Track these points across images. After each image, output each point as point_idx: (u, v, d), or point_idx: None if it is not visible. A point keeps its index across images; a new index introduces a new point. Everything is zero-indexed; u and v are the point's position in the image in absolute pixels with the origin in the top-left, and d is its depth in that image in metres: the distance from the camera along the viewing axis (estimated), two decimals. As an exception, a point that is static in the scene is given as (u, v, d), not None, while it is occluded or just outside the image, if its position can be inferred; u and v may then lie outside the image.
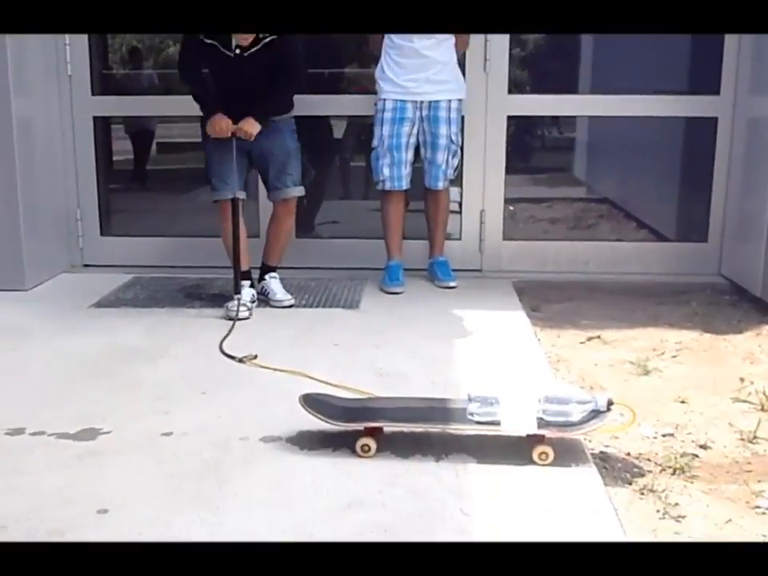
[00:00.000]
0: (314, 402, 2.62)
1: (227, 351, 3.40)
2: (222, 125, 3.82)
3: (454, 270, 4.48)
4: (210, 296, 4.24)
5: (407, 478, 2.35)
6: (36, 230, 4.51)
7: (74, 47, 4.72)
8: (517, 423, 2.45)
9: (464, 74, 4.44)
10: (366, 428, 2.50)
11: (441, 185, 4.38)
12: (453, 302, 4.16)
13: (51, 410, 2.86)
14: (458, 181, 4.65)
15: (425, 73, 4.26)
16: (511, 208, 4.98)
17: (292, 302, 4.08)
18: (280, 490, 2.30)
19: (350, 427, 2.51)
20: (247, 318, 3.81)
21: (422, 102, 4.29)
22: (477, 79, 4.59)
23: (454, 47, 4.30)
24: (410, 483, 2.32)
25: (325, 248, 4.88)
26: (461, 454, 2.48)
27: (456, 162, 4.41)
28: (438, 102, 4.29)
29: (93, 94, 4.83)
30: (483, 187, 4.73)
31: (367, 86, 4.64)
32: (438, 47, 4.23)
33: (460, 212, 4.77)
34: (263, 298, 4.13)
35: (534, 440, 2.44)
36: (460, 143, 4.42)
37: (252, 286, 4.07)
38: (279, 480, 2.36)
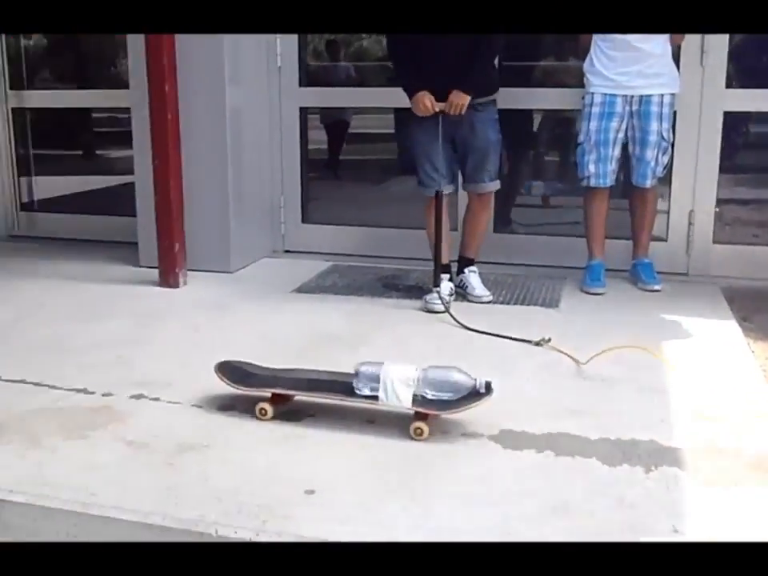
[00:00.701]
0: (226, 369, 2.84)
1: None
2: (426, 101, 3.82)
3: (658, 273, 4.30)
4: (406, 287, 4.28)
5: (616, 488, 2.27)
6: (242, 216, 4.71)
7: (284, 39, 4.88)
8: (395, 399, 2.58)
9: (678, 68, 4.25)
10: (273, 394, 2.72)
11: (649, 183, 4.21)
12: (658, 306, 3.99)
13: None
14: (666, 179, 4.45)
15: (637, 66, 4.09)
16: (717, 209, 4.72)
17: (490, 298, 4.05)
18: (483, 487, 2.27)
19: (252, 392, 2.75)
20: (444, 312, 3.80)
21: (632, 97, 4.14)
22: (692, 73, 4.38)
23: (668, 40, 4.12)
24: (619, 493, 2.24)
25: (522, 244, 4.82)
26: (672, 468, 2.37)
27: (666, 159, 4.23)
28: (649, 96, 4.12)
29: (300, 86, 4.97)
30: (693, 186, 4.51)
31: (565, 80, 4.54)
32: (652, 39, 4.05)
33: (667, 212, 4.57)
34: (461, 292, 4.12)
35: (415, 416, 2.57)
36: (671, 140, 4.23)
37: (450, 279, 4.07)
38: (482, 476, 2.33)
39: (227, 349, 3.37)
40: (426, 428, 2.55)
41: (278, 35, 4.84)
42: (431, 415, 2.58)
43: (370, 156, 6.22)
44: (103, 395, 2.93)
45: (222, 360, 2.89)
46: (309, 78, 5.20)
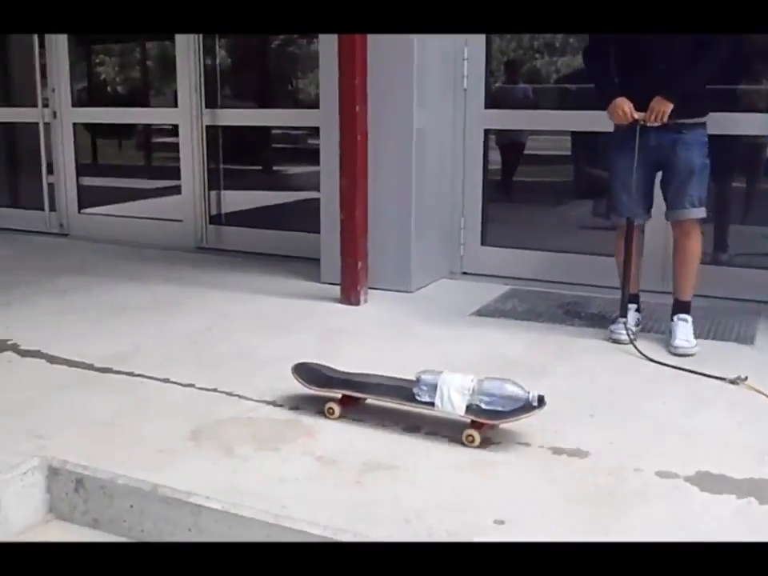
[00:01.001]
0: (302, 370, 3.05)
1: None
2: (624, 107, 3.60)
3: None
4: (589, 315, 4.18)
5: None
6: (423, 236, 4.74)
7: (472, 61, 4.89)
8: (449, 406, 2.71)
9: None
10: (342, 395, 2.93)
11: None
12: None
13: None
14: None
15: None
16: None
17: (692, 352, 3.60)
18: (682, 534, 2.17)
19: (323, 392, 2.95)
20: (629, 343, 3.68)
21: None
22: None
23: None
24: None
25: (714, 275, 4.58)
26: None
27: None
28: None
29: (486, 107, 4.97)
30: None
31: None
32: None
33: None
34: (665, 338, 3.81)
35: (470, 424, 2.69)
36: None
37: (638, 309, 3.92)
38: (681, 522, 2.23)
39: (408, 369, 3.39)
40: (477, 436, 2.66)
41: (465, 57, 4.86)
42: (486, 425, 2.70)
43: (544, 178, 6.13)
44: (290, 409, 3.01)
45: (299, 362, 3.10)
46: (489, 99, 5.19)
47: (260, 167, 6.73)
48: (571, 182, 5.68)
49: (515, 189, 5.91)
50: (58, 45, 6.37)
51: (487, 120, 5.00)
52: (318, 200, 4.84)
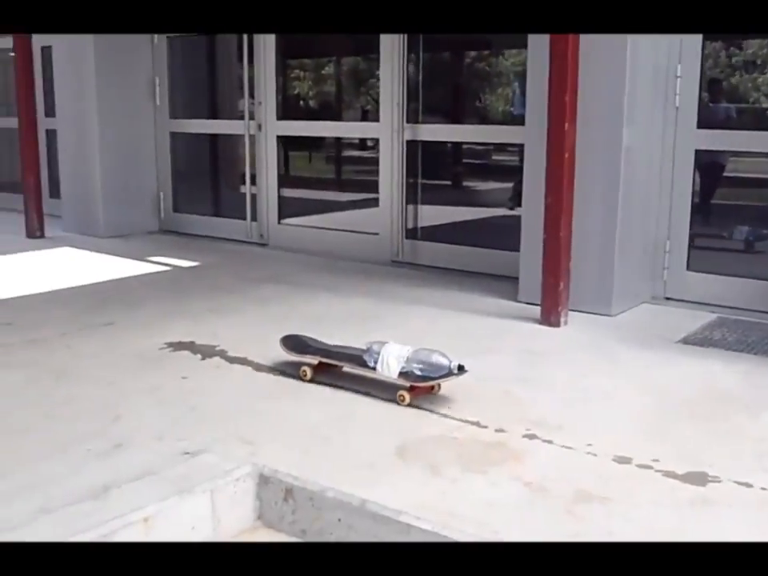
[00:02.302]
0: (289, 340, 3.73)
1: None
2: None
3: None
4: (807, 349, 3.93)
5: None
6: (626, 258, 4.60)
7: (685, 79, 4.71)
8: (387, 371, 3.27)
9: None
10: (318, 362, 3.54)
11: None
12: None
13: (653, 444, 2.85)
14: None
15: None
16: None
17: None
18: None
19: (303, 359, 3.56)
20: None
21: None
22: None
23: None
24: None
25: None
26: None
27: None
28: None
29: (698, 127, 4.77)
30: None
31: None
32: None
33: None
34: None
35: (404, 387, 3.24)
36: None
37: None
38: None
39: (611, 399, 3.30)
40: (407, 396, 3.20)
41: (678, 75, 4.70)
42: (420, 388, 3.23)
43: (746, 202, 5.83)
44: (496, 431, 2.98)
45: (288, 334, 3.76)
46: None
47: (450, 182, 6.76)
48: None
49: (715, 212, 5.65)
50: (267, 59, 6.64)
51: (699, 140, 4.79)
52: (509, 217, 4.81)
